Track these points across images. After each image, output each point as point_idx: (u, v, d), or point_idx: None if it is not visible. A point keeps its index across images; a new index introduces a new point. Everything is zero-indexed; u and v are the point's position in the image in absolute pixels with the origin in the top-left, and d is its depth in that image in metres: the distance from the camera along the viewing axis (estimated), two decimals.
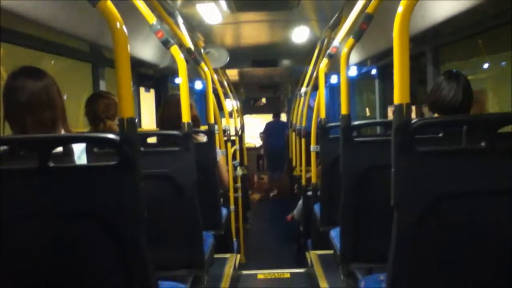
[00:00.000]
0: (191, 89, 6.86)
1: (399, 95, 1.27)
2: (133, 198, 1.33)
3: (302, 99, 5.78)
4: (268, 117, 10.22)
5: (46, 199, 1.32)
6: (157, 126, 3.08)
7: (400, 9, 1.26)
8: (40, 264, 1.40)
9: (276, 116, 9.95)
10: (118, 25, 1.30)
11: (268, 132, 9.74)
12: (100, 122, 2.74)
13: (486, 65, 3.64)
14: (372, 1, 2.12)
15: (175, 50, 2.26)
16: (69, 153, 1.55)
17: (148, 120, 5.13)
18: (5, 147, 1.53)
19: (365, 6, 2.24)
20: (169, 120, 2.82)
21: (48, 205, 1.33)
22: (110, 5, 1.30)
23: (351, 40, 2.19)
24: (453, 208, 1.34)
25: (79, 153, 1.89)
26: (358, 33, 2.16)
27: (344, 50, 2.23)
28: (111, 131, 2.71)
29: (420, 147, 1.30)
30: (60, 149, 1.46)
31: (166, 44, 2.27)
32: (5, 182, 1.30)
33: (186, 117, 2.23)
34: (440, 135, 2.00)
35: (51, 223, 1.36)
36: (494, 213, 1.35)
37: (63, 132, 1.89)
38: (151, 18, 2.22)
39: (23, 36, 2.58)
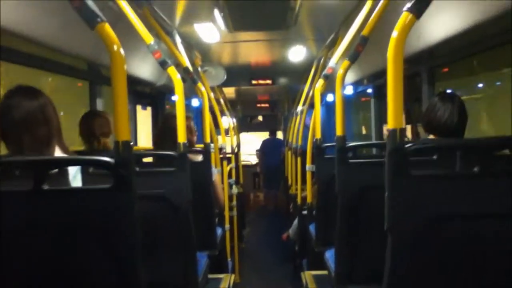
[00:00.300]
0: (188, 107, 6.87)
1: (393, 120, 1.27)
2: (128, 219, 1.33)
3: (298, 117, 5.79)
4: (265, 135, 10.23)
5: (40, 221, 1.32)
6: (154, 140, 3.08)
7: (394, 34, 1.27)
8: (33, 283, 1.39)
9: (273, 133, 9.95)
10: (115, 47, 1.31)
11: (264, 150, 9.71)
12: (95, 140, 2.75)
13: (481, 85, 3.68)
14: (368, 23, 2.14)
15: (172, 71, 2.27)
16: (63, 173, 1.55)
17: (145, 138, 5.13)
18: None
19: (361, 27, 2.27)
20: (171, 131, 2.81)
21: (42, 226, 1.33)
22: (108, 28, 1.31)
23: (346, 62, 2.20)
24: (447, 232, 1.34)
25: (74, 172, 1.89)
26: (354, 55, 2.17)
27: (340, 71, 2.24)
28: (106, 150, 2.72)
29: (414, 171, 1.30)
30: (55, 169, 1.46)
31: (163, 65, 2.28)
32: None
33: (182, 138, 2.23)
34: (435, 157, 2.01)
35: (44, 245, 1.36)
36: (488, 236, 1.35)
37: (58, 149, 1.89)
38: (149, 38, 2.23)
39: (21, 54, 2.60)
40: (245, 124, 11.08)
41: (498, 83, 3.47)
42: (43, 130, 1.81)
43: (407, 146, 1.29)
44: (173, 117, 2.53)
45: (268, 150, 9.63)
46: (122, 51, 1.31)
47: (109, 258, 1.35)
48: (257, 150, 10.11)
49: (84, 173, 1.91)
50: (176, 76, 2.24)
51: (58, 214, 1.32)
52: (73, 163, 1.62)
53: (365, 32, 2.12)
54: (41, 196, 1.30)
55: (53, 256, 1.37)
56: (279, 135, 10.40)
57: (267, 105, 11.03)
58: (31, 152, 1.76)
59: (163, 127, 3.02)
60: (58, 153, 1.89)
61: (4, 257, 1.33)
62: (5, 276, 1.35)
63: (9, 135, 1.79)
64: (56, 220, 1.32)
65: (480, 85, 3.71)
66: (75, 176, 1.88)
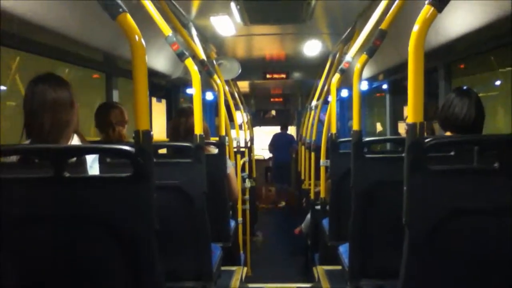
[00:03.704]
0: (202, 100, 6.86)
1: (413, 113, 1.27)
2: (146, 209, 1.34)
3: (313, 112, 5.78)
4: (277, 129, 10.17)
5: (60, 208, 1.34)
6: (168, 135, 3.09)
7: (416, 28, 1.27)
8: (50, 272, 1.41)
9: (284, 128, 9.90)
10: (136, 38, 1.32)
11: (274, 144, 9.65)
12: (110, 128, 2.78)
13: (498, 82, 3.64)
14: (386, 17, 2.12)
15: (189, 62, 2.28)
16: (82, 162, 1.57)
17: (159, 130, 5.15)
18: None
19: (378, 22, 2.25)
20: (185, 130, 2.83)
21: (61, 213, 1.34)
22: (130, 18, 1.32)
23: (364, 56, 2.18)
24: (464, 227, 1.34)
25: (91, 162, 1.91)
26: (372, 49, 2.16)
27: (357, 66, 2.23)
28: (121, 138, 2.75)
29: (433, 166, 1.30)
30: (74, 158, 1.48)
31: (181, 56, 2.29)
32: (21, 189, 1.32)
33: (198, 129, 2.24)
34: (452, 153, 1.99)
35: (63, 231, 1.38)
36: (506, 232, 1.34)
37: (76, 138, 1.92)
38: (167, 30, 2.24)
39: (37, 44, 2.62)
40: (258, 118, 11.06)
41: None
42: (66, 115, 1.88)
43: (426, 140, 1.28)
44: (189, 109, 2.54)
45: (278, 145, 9.55)
46: (143, 41, 1.32)
47: (126, 246, 1.36)
48: (269, 145, 10.06)
49: (101, 163, 1.93)
50: (193, 68, 2.25)
51: (77, 201, 1.33)
52: (94, 151, 1.65)
53: (383, 26, 2.10)
54: (61, 183, 1.32)
55: (70, 242, 1.38)
56: (291, 130, 10.33)
57: (280, 99, 10.99)
58: (51, 134, 1.82)
59: (178, 120, 3.03)
60: (76, 141, 1.92)
61: (23, 242, 1.35)
62: (23, 260, 1.38)
63: (33, 118, 1.84)
64: (75, 207, 1.34)
65: (498, 82, 3.67)
66: (91, 166, 1.90)
